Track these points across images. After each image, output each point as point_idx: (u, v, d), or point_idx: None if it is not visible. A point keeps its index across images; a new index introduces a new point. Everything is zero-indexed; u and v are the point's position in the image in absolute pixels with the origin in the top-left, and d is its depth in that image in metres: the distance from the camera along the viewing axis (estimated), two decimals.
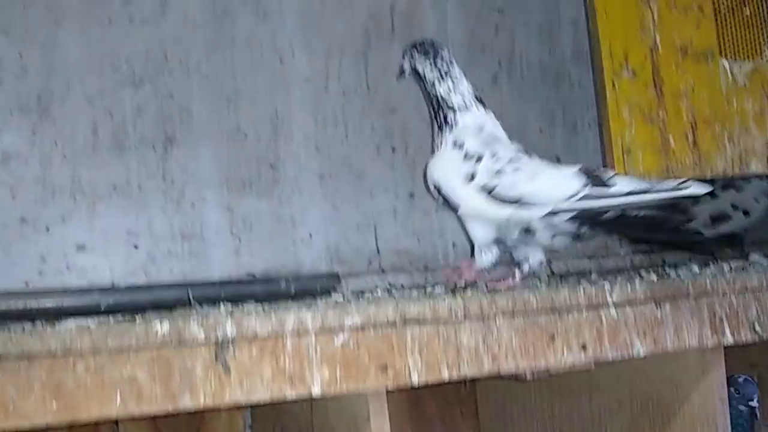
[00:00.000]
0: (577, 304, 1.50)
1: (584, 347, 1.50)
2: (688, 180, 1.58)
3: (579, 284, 1.59)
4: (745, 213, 2.65)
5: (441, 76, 1.96)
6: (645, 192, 1.60)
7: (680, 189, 1.55)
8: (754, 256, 2.13)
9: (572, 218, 1.68)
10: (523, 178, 1.71)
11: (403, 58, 2.13)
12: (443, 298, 1.44)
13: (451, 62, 1.95)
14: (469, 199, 1.75)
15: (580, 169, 1.71)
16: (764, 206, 2.65)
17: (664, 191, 1.56)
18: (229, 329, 1.29)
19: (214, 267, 2.39)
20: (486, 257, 1.78)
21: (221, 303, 1.57)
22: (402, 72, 2.18)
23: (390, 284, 2.53)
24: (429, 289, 1.83)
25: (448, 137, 1.88)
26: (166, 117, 2.41)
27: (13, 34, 2.29)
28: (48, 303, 1.49)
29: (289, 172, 2.53)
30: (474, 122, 1.87)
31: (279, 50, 2.57)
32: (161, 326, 1.26)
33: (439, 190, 1.86)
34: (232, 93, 2.49)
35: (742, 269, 1.93)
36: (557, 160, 2.82)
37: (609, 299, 1.53)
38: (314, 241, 2.52)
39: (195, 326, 1.27)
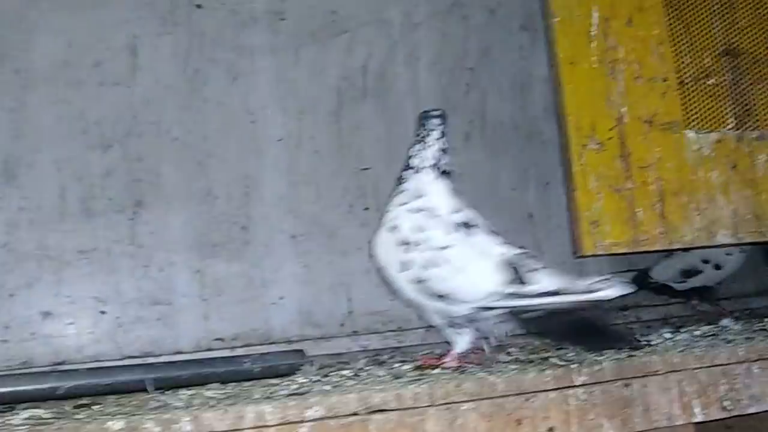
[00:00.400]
0: (544, 386, 1.48)
1: (552, 430, 1.48)
2: (609, 278, 1.57)
3: (546, 365, 1.57)
4: (717, 267, 2.67)
5: (419, 137, 1.96)
6: (556, 294, 1.56)
7: (593, 291, 1.53)
8: (725, 321, 2.13)
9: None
10: (450, 273, 1.67)
11: None
12: (407, 385, 1.41)
13: (432, 129, 1.94)
14: (404, 288, 1.75)
15: (508, 260, 1.64)
16: (736, 260, 2.66)
17: (576, 294, 1.54)
18: (186, 425, 1.26)
19: (182, 332, 2.36)
20: (462, 340, 1.74)
21: (181, 388, 1.54)
22: None
23: (362, 347, 2.50)
24: (396, 367, 1.78)
25: (393, 203, 1.87)
26: (135, 180, 2.39)
27: None
28: (2, 389, 1.45)
29: (260, 234, 2.51)
30: (416, 187, 1.84)
31: (251, 111, 2.56)
32: (115, 423, 1.23)
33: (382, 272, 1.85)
34: (203, 155, 2.48)
35: (713, 336, 1.93)
36: (530, 217, 2.83)
37: (576, 380, 1.52)
38: (285, 303, 2.49)
39: (150, 423, 1.24)
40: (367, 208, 2.65)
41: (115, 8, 2.44)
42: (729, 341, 1.82)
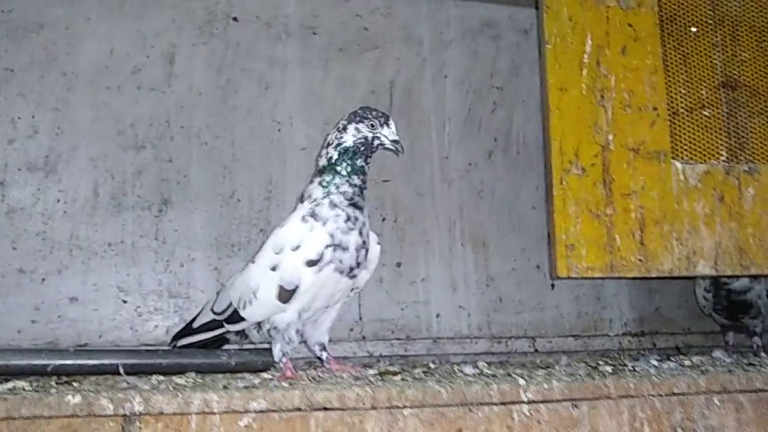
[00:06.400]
0: (489, 399, 1.53)
1: None
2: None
3: (493, 380, 1.61)
4: None
5: None
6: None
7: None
8: (717, 353, 2.11)
9: None
10: None
11: None
12: (351, 387, 1.49)
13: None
14: None
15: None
16: None
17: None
18: (137, 405, 1.38)
19: None
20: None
21: (154, 374, 1.67)
22: None
23: (368, 353, 2.59)
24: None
25: None
26: (164, 180, 2.55)
27: (29, 97, 2.48)
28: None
29: None
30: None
31: (278, 120, 2.69)
32: (73, 397, 1.36)
33: None
34: (230, 159, 2.62)
35: (694, 367, 1.92)
36: (548, 237, 2.86)
37: (523, 396, 1.56)
38: None
39: (104, 400, 1.37)
40: (384, 218, 2.74)
41: (156, 18, 2.61)
42: (704, 371, 1.82)
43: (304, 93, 2.73)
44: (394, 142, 1.82)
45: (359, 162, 1.81)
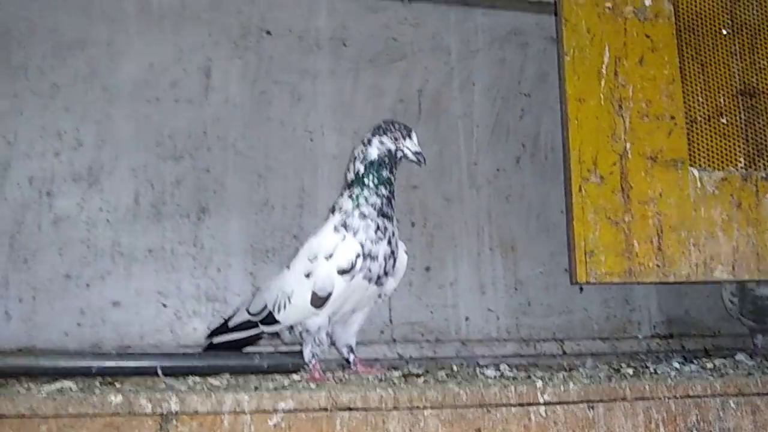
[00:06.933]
0: (507, 400, 1.60)
1: None
2: None
3: (512, 382, 1.67)
4: None
5: None
6: None
7: None
8: (740, 356, 2.14)
9: None
10: None
11: None
12: (375, 388, 1.57)
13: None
14: None
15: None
16: None
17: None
18: (173, 404, 1.47)
19: None
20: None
21: (190, 376, 1.77)
22: None
23: (399, 355, 2.67)
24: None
25: None
26: (202, 189, 2.66)
27: (73, 111, 2.61)
28: (45, 363, 1.72)
29: None
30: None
31: (310, 130, 2.79)
32: (115, 397, 1.46)
33: None
34: (264, 168, 2.72)
35: (715, 370, 1.96)
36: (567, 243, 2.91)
37: (540, 398, 1.62)
38: None
39: (143, 400, 1.47)
40: (413, 224, 2.81)
41: (193, 34, 2.72)
42: (722, 374, 1.86)
43: (334, 103, 2.82)
44: (417, 153, 1.90)
45: (385, 173, 1.89)
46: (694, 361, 2.13)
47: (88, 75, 2.63)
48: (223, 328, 2.09)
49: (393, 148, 1.89)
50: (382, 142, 1.90)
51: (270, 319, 1.94)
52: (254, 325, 2.01)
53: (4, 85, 2.55)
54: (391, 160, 1.90)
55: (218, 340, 2.09)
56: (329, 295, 1.82)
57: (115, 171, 2.61)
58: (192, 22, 2.73)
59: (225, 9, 2.76)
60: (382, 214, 1.87)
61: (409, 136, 1.90)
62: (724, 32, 2.17)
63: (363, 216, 1.86)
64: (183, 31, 2.72)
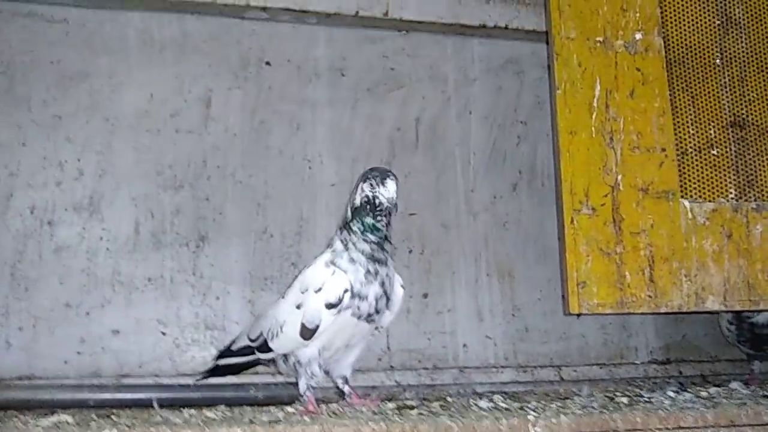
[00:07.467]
0: None
1: None
2: None
3: (504, 415, 1.69)
4: None
5: None
6: None
7: None
8: (735, 384, 2.15)
9: None
10: None
11: None
12: (367, 422, 1.59)
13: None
14: None
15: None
16: None
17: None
18: None
19: None
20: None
21: (186, 408, 1.79)
22: None
23: (396, 383, 2.68)
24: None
25: None
26: (201, 217, 2.69)
27: (75, 141, 2.64)
28: (44, 396, 1.74)
29: None
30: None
31: (309, 158, 2.82)
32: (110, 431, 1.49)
33: None
34: (263, 197, 2.75)
35: (709, 399, 1.98)
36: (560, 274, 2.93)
37: (531, 430, 1.63)
38: None
39: None
40: (411, 251, 2.83)
41: (193, 64, 2.76)
42: (715, 404, 1.87)
43: (333, 132, 2.85)
44: (389, 200, 1.90)
45: (369, 220, 1.91)
46: (689, 390, 2.14)
47: (90, 106, 2.67)
48: (228, 352, 2.13)
49: (371, 195, 1.91)
50: (363, 189, 1.93)
51: (265, 347, 1.98)
52: (253, 351, 2.04)
53: (8, 117, 2.59)
54: (372, 207, 1.91)
55: (222, 362, 2.14)
56: (317, 327, 1.84)
57: (115, 200, 2.64)
58: (192, 53, 2.77)
59: (225, 40, 2.80)
60: (372, 258, 1.89)
61: (383, 183, 1.91)
62: (717, 61, 2.19)
63: (352, 261, 1.89)
64: (183, 62, 2.76)
